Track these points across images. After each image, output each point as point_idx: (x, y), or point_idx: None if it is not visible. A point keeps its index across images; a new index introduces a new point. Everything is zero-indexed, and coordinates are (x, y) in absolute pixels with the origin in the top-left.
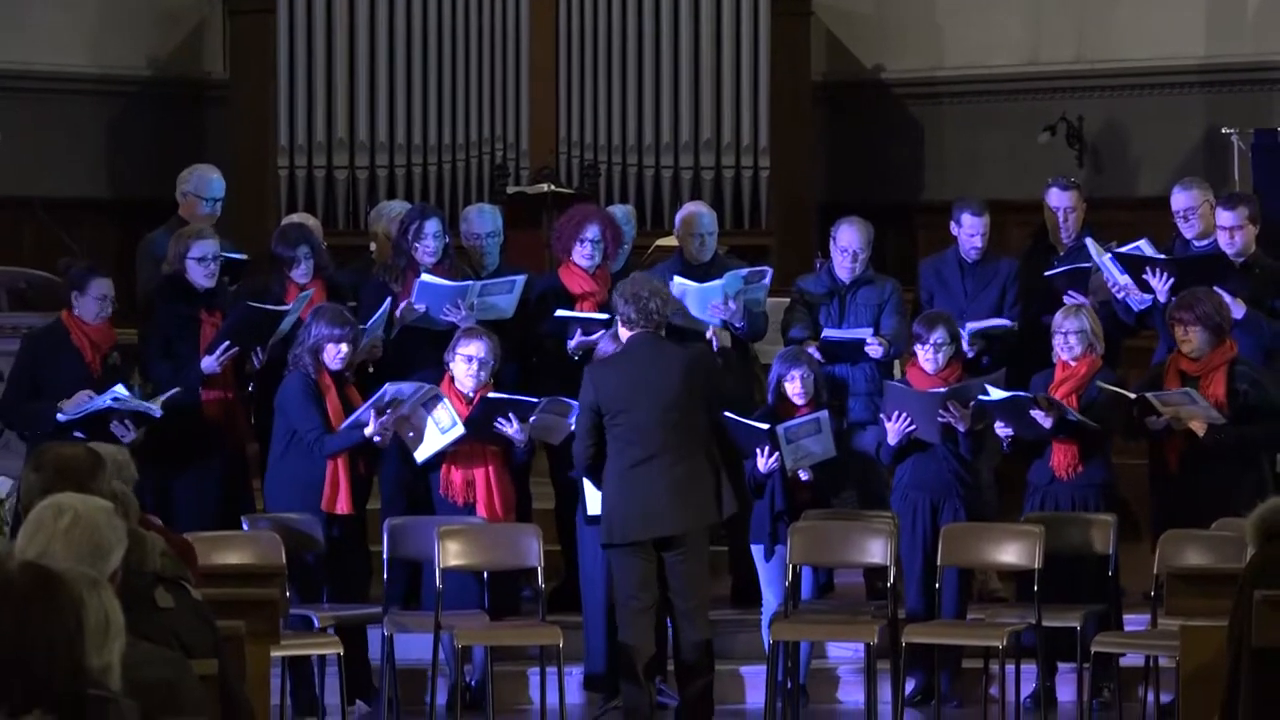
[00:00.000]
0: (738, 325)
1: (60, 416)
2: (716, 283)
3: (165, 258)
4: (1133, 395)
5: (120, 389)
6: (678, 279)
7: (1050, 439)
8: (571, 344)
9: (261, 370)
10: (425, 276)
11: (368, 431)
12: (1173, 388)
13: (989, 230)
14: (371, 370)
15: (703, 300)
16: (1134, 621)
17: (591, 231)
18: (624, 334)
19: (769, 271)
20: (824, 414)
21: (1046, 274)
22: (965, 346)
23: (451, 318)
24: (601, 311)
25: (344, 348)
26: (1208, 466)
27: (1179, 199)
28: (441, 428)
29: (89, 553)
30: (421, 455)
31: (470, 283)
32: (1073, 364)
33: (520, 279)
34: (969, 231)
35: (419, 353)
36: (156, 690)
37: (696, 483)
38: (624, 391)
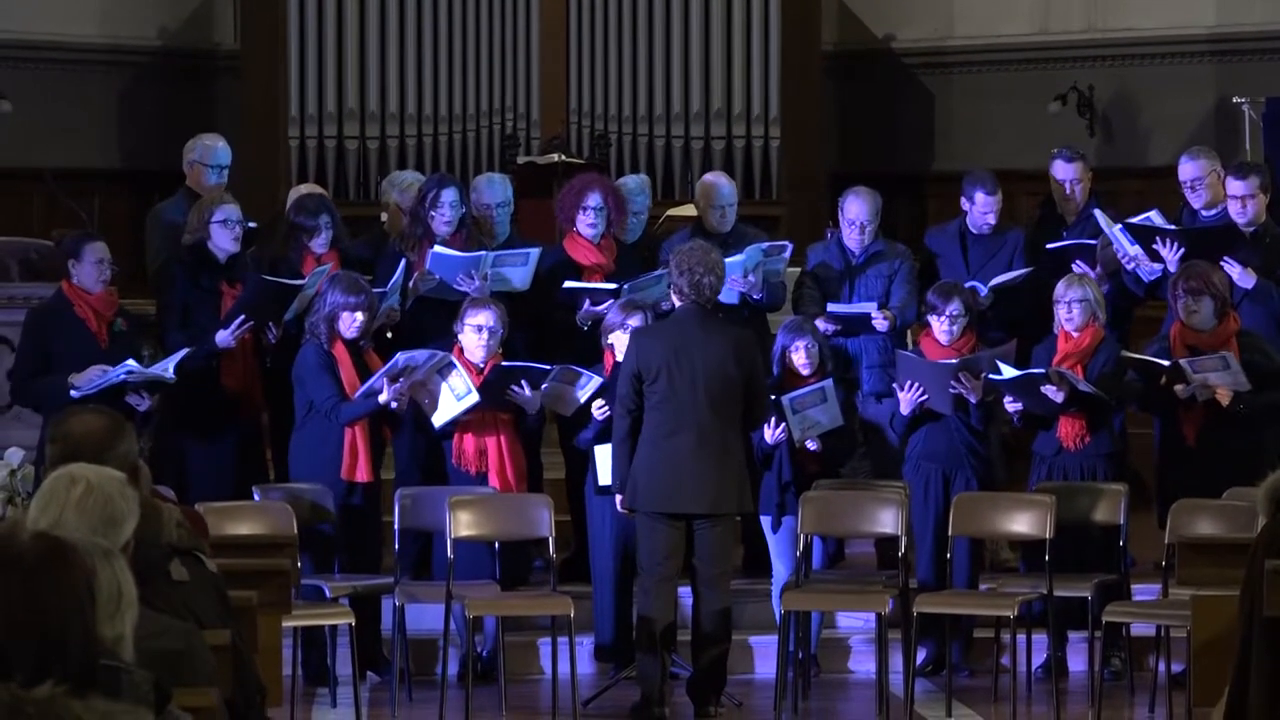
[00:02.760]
0: (756, 297)
1: (74, 392)
2: (737, 258)
3: (184, 227)
4: (1166, 363)
5: (132, 362)
6: None
7: (1061, 413)
8: (580, 314)
9: (277, 345)
10: (438, 248)
11: (382, 399)
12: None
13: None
14: (390, 336)
15: None
16: (1145, 591)
17: (593, 199)
18: (675, 301)
19: (789, 246)
20: (829, 383)
21: (1048, 246)
22: (981, 297)
23: (465, 288)
24: (609, 282)
25: (359, 316)
26: (1224, 438)
27: (1186, 169)
28: (457, 394)
29: (102, 523)
30: (439, 421)
31: (483, 253)
32: (1075, 334)
33: (535, 251)
34: (981, 209)
35: (433, 323)
36: (168, 660)
37: (726, 463)
38: (663, 359)
